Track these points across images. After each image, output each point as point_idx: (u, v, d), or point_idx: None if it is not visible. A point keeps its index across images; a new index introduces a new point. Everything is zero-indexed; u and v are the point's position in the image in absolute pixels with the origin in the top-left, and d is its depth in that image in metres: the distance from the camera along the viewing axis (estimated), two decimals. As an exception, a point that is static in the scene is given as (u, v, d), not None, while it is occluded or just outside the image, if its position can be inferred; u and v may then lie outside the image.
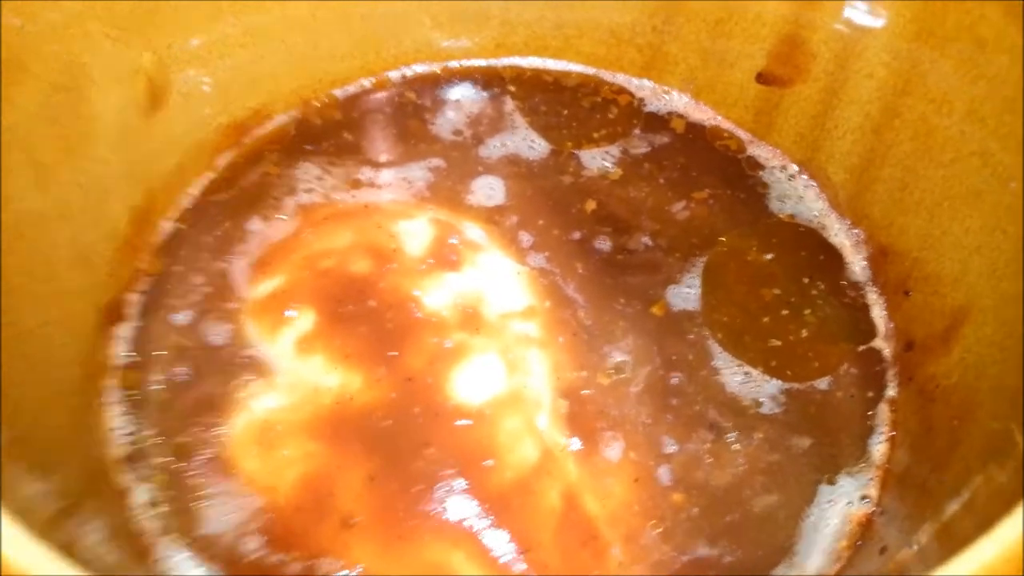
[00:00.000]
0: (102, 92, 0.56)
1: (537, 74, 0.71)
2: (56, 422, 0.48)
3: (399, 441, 0.51)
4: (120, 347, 0.57)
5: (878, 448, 0.53)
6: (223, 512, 0.50)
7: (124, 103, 0.58)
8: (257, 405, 0.53)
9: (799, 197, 0.64)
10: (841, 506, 0.51)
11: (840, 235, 0.61)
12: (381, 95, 0.70)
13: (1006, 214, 0.46)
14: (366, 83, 0.71)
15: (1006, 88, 0.46)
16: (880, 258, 0.58)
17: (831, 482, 0.52)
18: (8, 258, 0.48)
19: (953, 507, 0.39)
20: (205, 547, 0.49)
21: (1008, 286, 0.45)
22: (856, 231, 0.61)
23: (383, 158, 0.67)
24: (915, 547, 0.40)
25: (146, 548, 0.49)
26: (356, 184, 0.65)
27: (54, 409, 0.49)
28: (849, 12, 0.57)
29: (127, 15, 0.56)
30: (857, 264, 0.60)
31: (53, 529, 0.40)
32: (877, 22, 0.55)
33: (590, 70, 0.71)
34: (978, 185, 0.48)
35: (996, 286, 0.46)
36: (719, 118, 0.68)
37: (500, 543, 0.48)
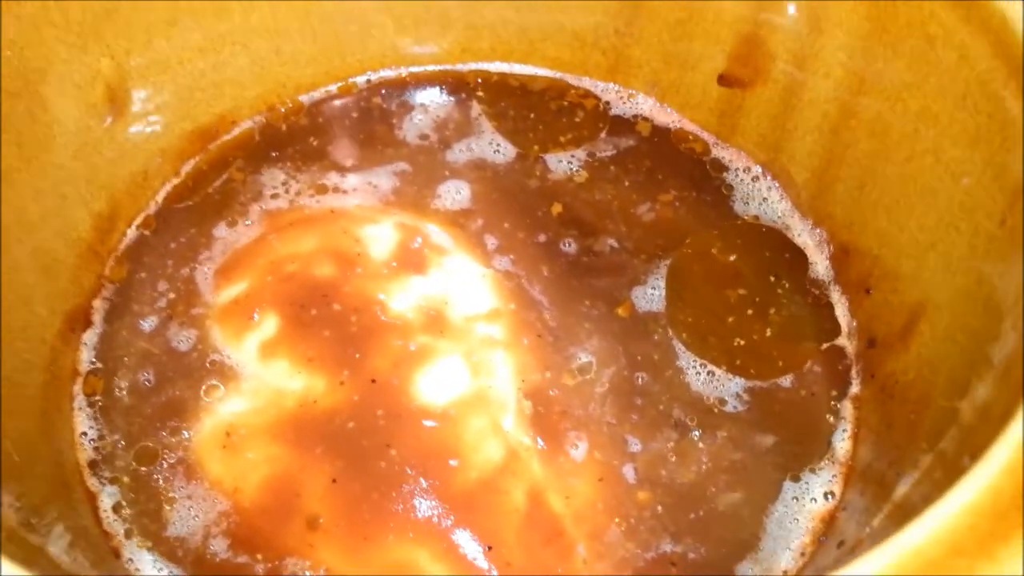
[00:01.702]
0: (60, 98, 0.55)
1: (503, 78, 0.72)
2: (22, 428, 0.48)
3: (362, 443, 0.51)
4: (85, 353, 0.56)
5: (841, 445, 0.53)
6: (189, 515, 0.50)
7: (83, 109, 0.57)
8: (222, 409, 0.53)
9: (763, 199, 0.64)
10: (805, 502, 0.51)
11: (804, 235, 0.62)
12: (347, 100, 0.71)
13: (959, 211, 0.47)
14: (332, 88, 0.71)
15: (956, 85, 0.47)
16: (842, 257, 0.59)
17: (795, 479, 0.52)
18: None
19: (904, 487, 0.39)
20: (172, 549, 0.49)
21: (961, 280, 0.46)
22: (819, 231, 0.61)
23: (349, 163, 0.67)
24: (868, 532, 0.40)
25: (114, 550, 0.48)
26: (322, 189, 0.65)
27: (19, 415, 0.49)
28: (805, 11, 0.57)
29: (82, 20, 0.55)
30: (820, 263, 0.61)
31: (20, 536, 0.40)
32: (832, 22, 0.56)
33: (556, 74, 0.72)
34: (932, 183, 0.49)
35: (950, 281, 0.47)
36: (684, 121, 0.69)
37: (464, 541, 0.48)
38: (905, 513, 0.30)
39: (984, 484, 0.26)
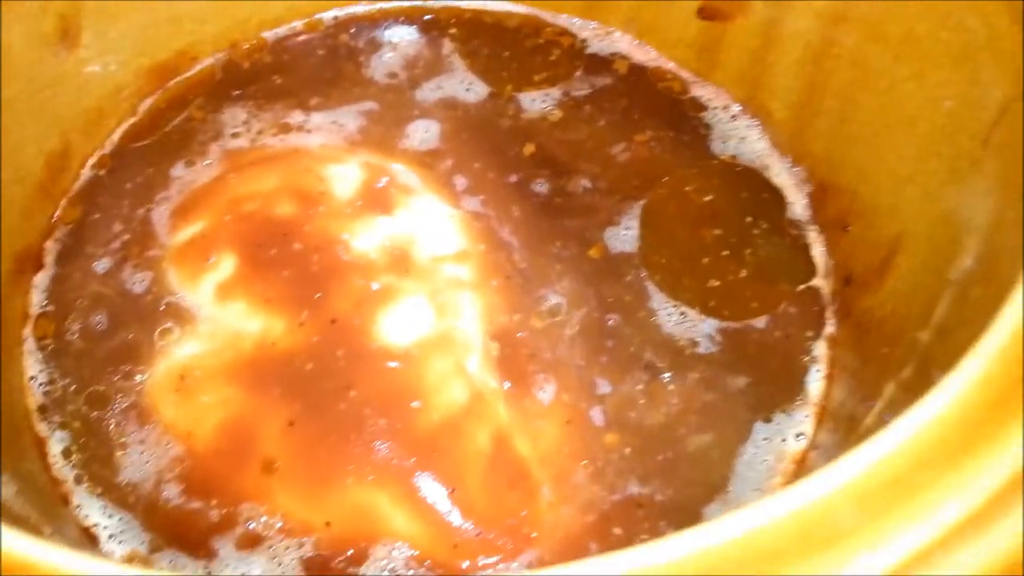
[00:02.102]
0: (6, 28, 0.53)
1: (477, 15, 0.69)
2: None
3: (322, 384, 0.49)
4: (36, 296, 0.55)
5: (815, 386, 0.52)
6: (141, 460, 0.49)
7: (32, 40, 0.55)
8: (177, 352, 0.52)
9: (741, 138, 0.62)
10: (776, 443, 0.50)
11: (782, 175, 0.60)
12: (312, 37, 0.68)
13: (940, 136, 0.45)
14: (296, 25, 0.68)
15: (939, 4, 0.45)
16: (821, 195, 0.57)
17: (767, 420, 0.51)
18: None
19: (869, 420, 0.38)
20: (123, 495, 0.47)
21: (939, 208, 0.44)
22: (797, 169, 0.59)
23: (314, 102, 0.65)
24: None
25: (63, 496, 0.47)
26: (285, 128, 0.63)
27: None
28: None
29: (29, -57, 0.53)
30: (799, 203, 0.59)
31: None
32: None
33: (532, 11, 0.69)
34: (913, 111, 0.47)
35: (928, 210, 0.45)
36: (662, 58, 0.66)
37: (426, 484, 0.47)
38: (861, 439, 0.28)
39: (951, 398, 0.25)
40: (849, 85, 0.53)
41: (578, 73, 0.67)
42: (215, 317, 0.53)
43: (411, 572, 0.45)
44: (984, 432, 0.25)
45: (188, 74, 0.65)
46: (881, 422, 0.31)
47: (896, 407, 0.31)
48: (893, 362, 0.42)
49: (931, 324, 0.35)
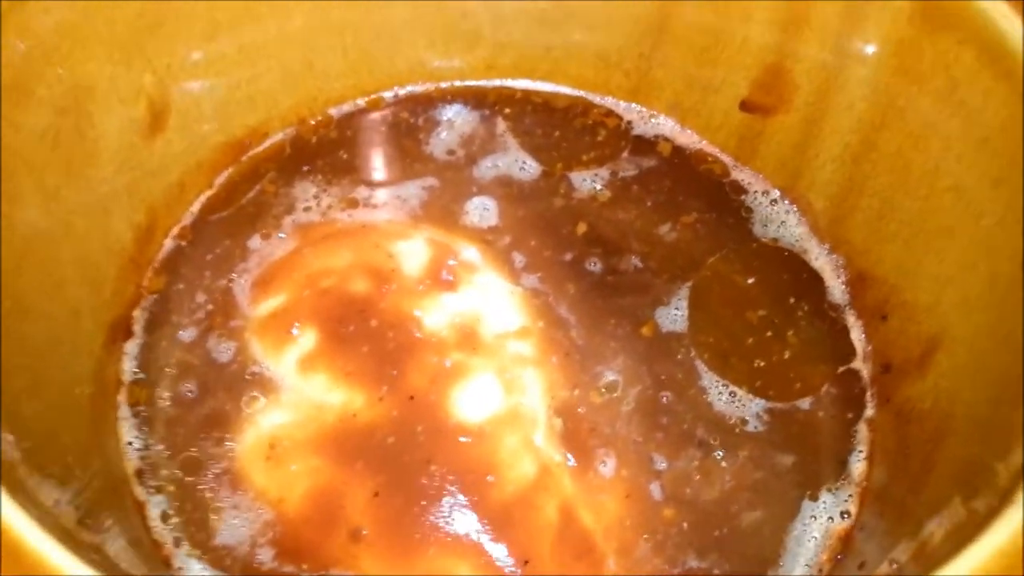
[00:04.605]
0: (105, 113, 0.57)
1: (527, 95, 0.73)
2: (72, 437, 0.50)
3: (403, 458, 0.53)
4: (128, 364, 0.58)
5: (857, 466, 0.56)
6: (236, 524, 0.52)
7: (126, 124, 0.59)
8: (263, 421, 0.55)
9: (781, 222, 0.66)
10: (823, 521, 0.54)
11: (821, 259, 0.64)
12: (375, 114, 0.72)
13: (978, 250, 0.49)
14: (360, 102, 0.72)
15: (978, 128, 0.49)
16: (859, 283, 0.61)
17: (813, 498, 0.55)
18: (18, 278, 0.49)
19: (930, 527, 0.41)
20: (220, 557, 0.51)
21: (980, 318, 0.48)
22: (836, 256, 0.63)
23: (378, 177, 0.69)
24: (894, 566, 0.43)
25: (165, 559, 0.50)
26: (352, 203, 0.67)
27: (70, 424, 0.50)
28: (831, 45, 0.59)
29: (128, 36, 0.56)
30: (837, 288, 0.63)
31: (78, 536, 0.41)
32: (858, 57, 0.58)
33: (579, 92, 0.73)
34: (951, 220, 0.51)
35: (968, 317, 0.49)
36: (704, 143, 0.70)
37: (502, 555, 0.50)
38: (929, 557, 0.32)
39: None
40: (888, 187, 0.57)
41: (624, 154, 0.71)
42: (298, 388, 0.56)
43: (489, 638, 0.49)
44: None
45: (260, 149, 0.69)
46: (949, 539, 0.35)
47: (964, 529, 0.34)
48: (940, 461, 0.46)
49: (1007, 462, 0.38)
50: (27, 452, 0.42)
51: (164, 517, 0.52)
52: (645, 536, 0.52)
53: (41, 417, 0.47)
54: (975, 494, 0.38)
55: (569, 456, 0.55)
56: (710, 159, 0.70)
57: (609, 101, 0.73)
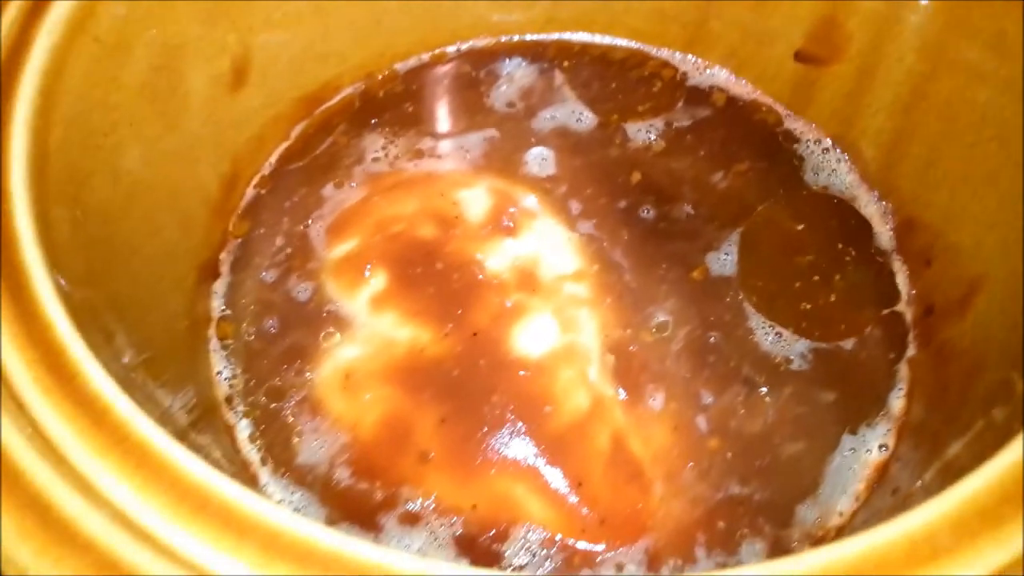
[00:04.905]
0: (193, 70, 0.61)
1: (585, 48, 0.76)
2: (176, 367, 0.55)
3: (467, 388, 0.57)
4: (216, 302, 0.63)
5: (896, 403, 0.58)
6: (316, 446, 0.57)
7: (212, 79, 0.63)
8: (339, 354, 0.60)
9: (832, 170, 0.68)
10: (861, 453, 0.57)
11: (870, 206, 0.66)
12: (439, 69, 0.75)
13: (1021, 196, 0.51)
14: (425, 57, 0.76)
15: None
16: (906, 229, 0.63)
17: (853, 432, 0.58)
18: (125, 222, 0.55)
19: (956, 447, 0.44)
20: (302, 475, 0.56)
21: (1018, 261, 0.50)
22: (884, 203, 0.65)
23: (442, 129, 0.72)
24: (920, 484, 0.46)
25: (253, 476, 0.56)
26: (418, 154, 0.70)
27: (173, 355, 0.56)
28: (884, -2, 0.60)
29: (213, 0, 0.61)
30: (884, 234, 0.65)
31: (188, 437, 0.47)
32: (911, 8, 0.59)
33: (635, 45, 0.75)
34: (995, 168, 0.53)
35: (1007, 260, 0.51)
36: (758, 93, 0.72)
37: (557, 478, 0.55)
38: (953, 471, 0.35)
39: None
40: (936, 135, 0.59)
41: (679, 104, 0.73)
42: (370, 324, 0.61)
43: (545, 551, 0.53)
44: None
45: (332, 103, 0.73)
46: (968, 454, 0.38)
47: (983, 443, 0.38)
48: (974, 393, 0.49)
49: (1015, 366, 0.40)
50: (146, 362, 0.48)
51: (251, 439, 0.58)
52: (691, 464, 0.56)
53: (152, 341, 0.52)
54: (999, 410, 0.41)
55: (621, 390, 0.58)
56: (764, 109, 0.72)
57: (665, 53, 0.75)
